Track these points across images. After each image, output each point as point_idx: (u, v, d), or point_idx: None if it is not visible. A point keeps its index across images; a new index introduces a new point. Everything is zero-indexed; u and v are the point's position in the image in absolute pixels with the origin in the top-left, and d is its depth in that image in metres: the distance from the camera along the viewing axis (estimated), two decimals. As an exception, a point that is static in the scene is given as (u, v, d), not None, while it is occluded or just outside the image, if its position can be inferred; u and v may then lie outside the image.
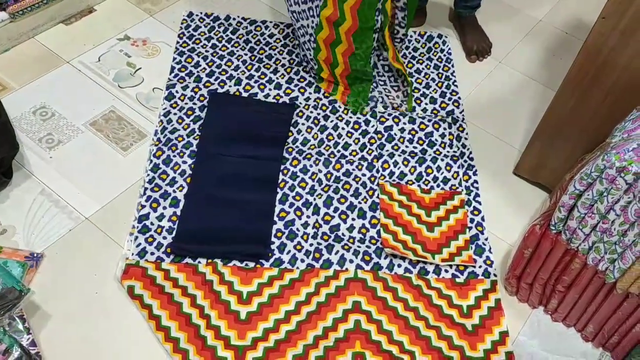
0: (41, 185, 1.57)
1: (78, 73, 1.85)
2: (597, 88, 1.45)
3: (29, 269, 1.37)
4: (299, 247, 1.53)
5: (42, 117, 1.72)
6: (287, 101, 1.86)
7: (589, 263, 1.30)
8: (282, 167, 1.69)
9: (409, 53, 2.07)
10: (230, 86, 1.87)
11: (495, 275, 1.53)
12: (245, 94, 1.86)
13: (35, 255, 1.41)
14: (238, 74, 1.91)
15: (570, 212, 1.28)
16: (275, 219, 1.58)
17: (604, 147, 1.38)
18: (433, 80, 2.00)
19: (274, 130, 1.76)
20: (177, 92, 1.84)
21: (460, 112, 1.91)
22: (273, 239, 1.54)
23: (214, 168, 1.65)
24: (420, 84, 1.98)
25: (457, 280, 1.52)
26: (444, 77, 2.02)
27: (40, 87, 1.79)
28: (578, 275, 1.35)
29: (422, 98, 1.94)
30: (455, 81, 2.01)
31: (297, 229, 1.56)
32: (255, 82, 1.90)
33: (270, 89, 1.88)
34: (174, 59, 1.93)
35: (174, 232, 1.51)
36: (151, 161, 1.65)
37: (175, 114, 1.78)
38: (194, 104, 1.81)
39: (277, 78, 1.92)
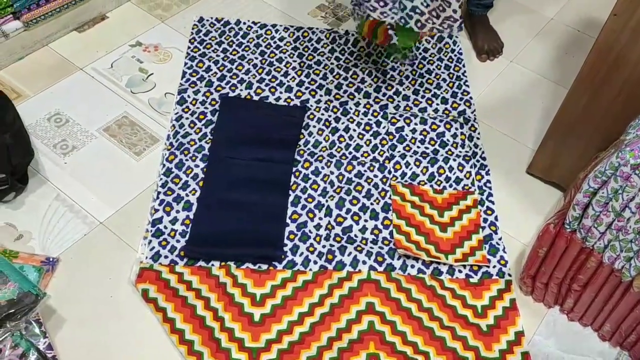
0: (56, 191, 1.59)
1: (91, 80, 1.87)
2: (609, 85, 1.44)
3: (45, 274, 1.39)
4: (311, 249, 1.53)
5: (56, 124, 1.74)
6: (298, 104, 1.86)
7: (604, 262, 1.29)
8: (294, 169, 1.69)
9: (420, 54, 2.07)
10: (241, 90, 1.88)
11: (509, 275, 1.52)
12: (256, 97, 1.86)
13: (51, 260, 1.43)
14: (249, 78, 1.92)
15: (585, 210, 1.27)
16: (288, 221, 1.58)
17: (617, 145, 1.37)
18: (444, 80, 1.99)
19: (285, 133, 1.76)
20: (188, 96, 1.85)
21: (472, 112, 1.90)
22: (286, 241, 1.54)
23: (226, 171, 1.66)
24: (431, 84, 1.97)
25: (471, 280, 1.51)
26: (455, 77, 2.01)
27: (54, 94, 1.81)
28: (594, 274, 1.33)
29: (434, 99, 1.93)
30: (466, 81, 2.00)
31: (310, 231, 1.56)
32: (266, 85, 1.90)
33: (281, 92, 1.89)
34: (186, 64, 1.94)
35: (187, 236, 1.52)
36: (164, 165, 1.67)
37: (187, 118, 1.79)
38: (206, 108, 1.82)
39: (287, 81, 1.92)
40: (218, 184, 1.63)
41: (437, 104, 1.92)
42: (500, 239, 1.59)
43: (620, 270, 1.27)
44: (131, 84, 1.87)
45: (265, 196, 1.62)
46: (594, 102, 1.49)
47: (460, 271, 1.52)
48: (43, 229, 1.51)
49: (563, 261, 1.36)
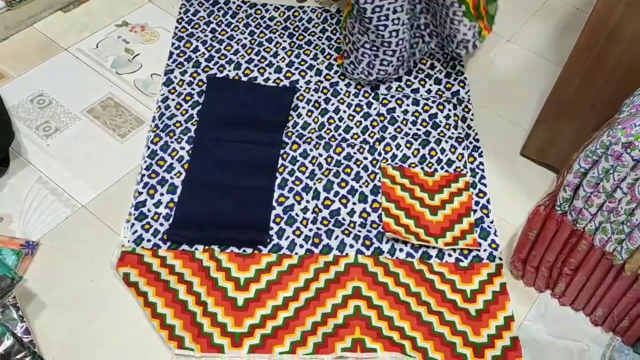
0: (38, 173, 1.56)
1: (76, 60, 1.83)
2: (603, 63, 1.39)
3: (24, 257, 1.36)
4: (297, 232, 1.50)
5: (39, 105, 1.70)
6: (288, 85, 1.82)
7: (595, 244, 1.25)
8: (282, 151, 1.65)
9: (413, 33, 2.02)
10: (229, 70, 1.84)
11: (500, 259, 1.49)
12: (244, 78, 1.82)
13: (30, 243, 1.40)
14: (237, 58, 1.87)
15: (576, 191, 1.23)
16: (274, 204, 1.55)
17: (611, 124, 1.33)
18: (438, 60, 1.94)
19: (273, 114, 1.72)
20: (175, 77, 1.81)
21: (466, 93, 1.85)
22: (271, 224, 1.51)
23: (212, 154, 1.63)
24: (425, 64, 1.92)
25: (461, 264, 1.47)
26: (449, 57, 1.96)
27: (38, 75, 1.78)
28: (585, 257, 1.29)
29: (427, 79, 1.88)
30: (461, 61, 1.95)
31: (296, 214, 1.53)
32: (255, 65, 1.86)
33: (270, 73, 1.85)
34: (173, 44, 1.90)
35: (171, 219, 1.49)
36: (148, 148, 1.63)
37: (173, 99, 1.75)
38: (192, 89, 1.78)
39: (277, 61, 1.88)
40: (203, 167, 1.60)
41: (430, 85, 1.87)
42: (491, 222, 1.56)
43: (612, 253, 1.23)
44: (117, 64, 1.83)
45: (251, 179, 1.58)
46: (587, 81, 1.45)
47: (450, 255, 1.49)
48: (24, 212, 1.48)
49: (554, 244, 1.32)
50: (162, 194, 1.54)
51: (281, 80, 1.83)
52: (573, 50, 1.41)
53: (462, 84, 1.88)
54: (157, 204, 1.52)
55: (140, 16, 1.97)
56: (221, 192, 1.55)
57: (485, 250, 1.50)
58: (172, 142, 1.65)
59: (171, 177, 1.57)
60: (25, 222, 1.46)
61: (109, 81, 1.78)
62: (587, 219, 1.23)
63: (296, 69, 1.87)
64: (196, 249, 1.45)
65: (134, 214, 1.50)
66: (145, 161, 1.60)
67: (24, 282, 1.26)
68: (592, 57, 1.39)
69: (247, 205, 1.53)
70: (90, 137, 1.65)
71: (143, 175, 1.57)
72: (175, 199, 1.53)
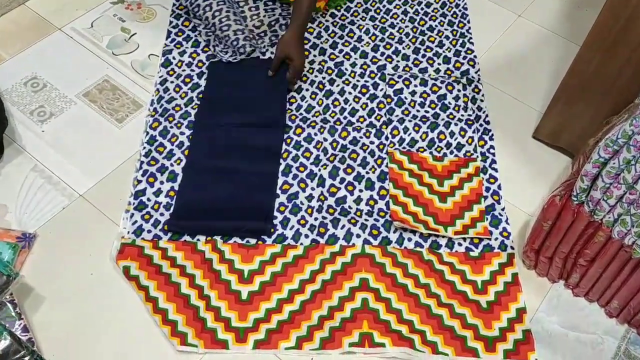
0: (33, 161, 1.50)
1: (70, 40, 1.76)
2: (622, 45, 1.32)
3: (20, 250, 1.32)
4: (302, 221, 1.45)
5: (33, 89, 1.64)
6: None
7: (614, 237, 1.20)
8: (285, 136, 1.59)
9: (422, 9, 1.93)
10: (229, 50, 1.76)
11: (512, 248, 1.44)
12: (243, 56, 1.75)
13: (27, 235, 1.36)
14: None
15: (594, 181, 1.18)
16: (278, 192, 1.50)
17: (631, 110, 1.26)
18: (447, 38, 1.86)
19: (276, 94, 1.65)
20: (174, 58, 1.74)
21: (476, 72, 1.78)
22: (276, 213, 1.46)
23: (214, 138, 1.57)
24: (433, 42, 1.85)
25: (472, 254, 1.43)
26: (458, 34, 1.88)
27: (31, 57, 1.71)
28: (602, 248, 1.25)
29: (435, 58, 1.81)
30: (471, 39, 1.87)
31: (301, 202, 1.48)
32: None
33: (272, 52, 1.77)
34: (171, 22, 1.82)
35: (172, 209, 1.44)
36: (147, 133, 1.57)
37: (172, 82, 1.68)
38: (192, 70, 1.71)
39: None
40: (204, 152, 1.54)
41: (439, 64, 1.80)
42: (503, 209, 1.50)
43: (631, 246, 1.19)
44: (113, 45, 1.76)
45: (254, 164, 1.53)
46: (606, 63, 1.37)
47: (460, 244, 1.44)
48: (20, 202, 1.43)
49: (569, 235, 1.28)
50: (162, 182, 1.49)
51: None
52: (592, 29, 1.34)
53: (471, 63, 1.80)
54: (157, 193, 1.47)
55: (136, -7, 1.89)
56: (223, 179, 1.49)
57: (496, 239, 1.45)
58: (171, 127, 1.59)
59: (171, 164, 1.52)
60: (21, 212, 1.41)
61: (105, 63, 1.71)
62: (605, 211, 1.18)
63: (299, 48, 1.79)
64: (198, 239, 1.40)
65: (134, 204, 1.45)
66: (144, 147, 1.55)
67: (20, 278, 1.21)
68: (612, 37, 1.32)
69: (250, 192, 1.48)
70: (87, 122, 1.59)
71: (142, 163, 1.52)
72: (176, 187, 1.48)
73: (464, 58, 1.81)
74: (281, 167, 1.54)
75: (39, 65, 1.69)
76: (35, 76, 1.66)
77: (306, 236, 1.43)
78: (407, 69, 1.77)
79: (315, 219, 1.45)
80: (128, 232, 1.40)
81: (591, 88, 1.44)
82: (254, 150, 1.55)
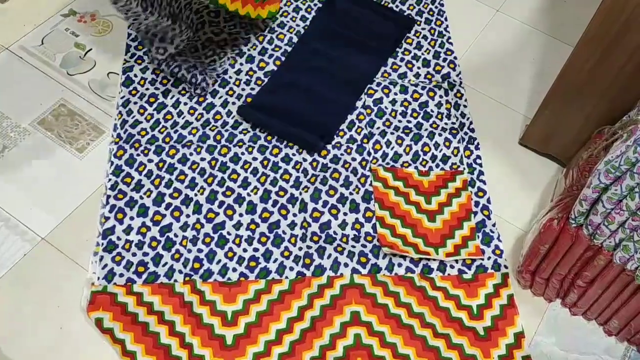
0: (-13, 203, 1.37)
1: (19, 61, 1.61)
2: (620, 48, 1.24)
3: (-20, 309, 1.20)
4: (286, 253, 1.36)
5: (-19, 119, 1.50)
6: (262, 76, 1.64)
7: (615, 262, 1.15)
8: (262, 157, 1.49)
9: (397, 6, 1.83)
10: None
11: (506, 267, 1.38)
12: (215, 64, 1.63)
13: (-14, 290, 1.24)
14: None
15: (593, 205, 1.12)
16: (258, 220, 1.40)
17: (627, 125, 1.20)
18: (425, 38, 1.77)
19: (381, 43, 1.71)
20: (135, 75, 1.61)
21: (457, 75, 1.70)
22: (257, 245, 1.37)
23: (308, 58, 1.65)
24: (411, 44, 1.75)
25: (465, 276, 1.36)
26: (437, 33, 1.79)
27: (-24, 82, 1.56)
28: (602, 271, 1.19)
29: (414, 61, 1.72)
30: (449, 38, 1.79)
31: (284, 232, 1.39)
32: (225, 54, 1.67)
33: (242, 63, 1.66)
34: (129, 35, 1.69)
35: (251, 99, 1.56)
36: (112, 163, 1.45)
37: (135, 102, 1.56)
38: (156, 88, 1.59)
39: (247, 50, 1.68)
40: (296, 67, 1.63)
41: (419, 68, 1.71)
42: (494, 225, 1.44)
43: (634, 271, 1.13)
44: (67, 63, 1.61)
45: (335, 92, 1.60)
46: (601, 67, 1.30)
47: (452, 267, 1.37)
48: (-25, 251, 1.31)
49: (567, 258, 1.22)
50: (132, 218, 1.38)
51: (254, 72, 1.64)
52: (585, 32, 1.26)
53: (452, 65, 1.72)
54: (128, 230, 1.36)
55: (89, 3, 1.74)
56: (302, 94, 1.58)
57: (489, 258, 1.39)
58: (138, 154, 1.47)
59: (140, 197, 1.41)
60: (-23, 263, 1.29)
61: (59, 84, 1.57)
62: (605, 235, 1.13)
63: (270, 56, 1.68)
64: (175, 281, 1.30)
65: (102, 244, 1.34)
66: (110, 179, 1.43)
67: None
68: (607, 42, 1.24)
69: (320, 111, 1.55)
70: (44, 154, 1.46)
71: (108, 197, 1.40)
72: (148, 223, 1.37)
73: (444, 60, 1.73)
74: (259, 193, 1.44)
75: (-14, 91, 1.54)
76: (-18, 104, 1.52)
77: (291, 269, 1.34)
78: (385, 75, 1.68)
79: (300, 248, 1.37)
80: (98, 278, 1.29)
81: (584, 92, 1.37)
82: (341, 82, 1.62)
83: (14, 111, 1.51)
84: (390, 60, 1.71)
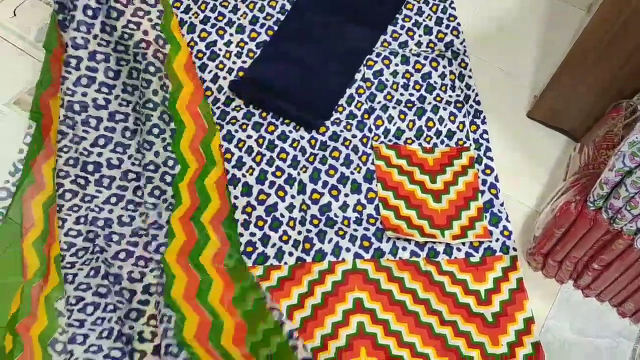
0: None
1: (-10, 34, 1.49)
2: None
3: None
4: (285, 237, 1.29)
5: (-48, 99, 1.39)
6: (254, 47, 1.53)
7: (636, 246, 1.08)
8: (257, 134, 1.40)
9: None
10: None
11: (514, 249, 1.32)
12: (202, 44, 1.52)
13: None
14: (191, 18, 1.56)
15: (615, 188, 1.04)
16: (254, 203, 1.32)
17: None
18: (426, 2, 1.66)
19: (377, 15, 1.60)
20: (117, 48, 1.49)
21: (461, 43, 1.60)
22: (254, 229, 1.29)
23: (304, 26, 1.55)
24: (411, 10, 1.64)
25: (472, 259, 1.30)
26: (438, -4, 1.68)
27: (-55, 59, 1.45)
28: (620, 254, 1.13)
29: (415, 28, 1.61)
30: (452, 2, 1.68)
31: (281, 215, 1.31)
32: (213, 26, 1.55)
33: (232, 34, 1.55)
34: (109, 3, 1.56)
35: (243, 74, 1.46)
36: (96, 144, 1.36)
37: (118, 78, 1.45)
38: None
39: (238, 18, 1.57)
40: (291, 37, 1.53)
41: (420, 35, 1.60)
42: (502, 204, 1.37)
43: (655, 257, 1.07)
44: (42, 36, 1.49)
45: (332, 64, 1.50)
46: (623, 36, 1.20)
47: (459, 249, 1.31)
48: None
49: (583, 241, 1.15)
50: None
51: (246, 43, 1.54)
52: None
53: (455, 32, 1.62)
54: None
55: (64, -31, 1.61)
56: (297, 66, 1.48)
57: (497, 239, 1.33)
58: (123, 134, 1.37)
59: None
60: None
61: (35, 60, 1.46)
62: (627, 220, 1.06)
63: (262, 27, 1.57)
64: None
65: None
66: (94, 162, 1.33)
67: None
68: (631, 7, 1.15)
69: (317, 85, 1.46)
70: (22, 137, 1.35)
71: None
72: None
73: (447, 27, 1.62)
74: (255, 174, 1.36)
75: (-44, 69, 1.43)
76: (-47, 82, 1.41)
77: (290, 254, 1.27)
78: (385, 44, 1.57)
79: (299, 232, 1.29)
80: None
81: (602, 63, 1.27)
82: (337, 53, 1.52)
83: (-13, 90, 1.41)
84: (390, 28, 1.60)
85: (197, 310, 1.15)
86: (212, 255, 1.23)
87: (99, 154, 1.24)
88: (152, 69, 1.33)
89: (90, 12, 1.34)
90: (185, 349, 1.09)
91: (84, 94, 1.26)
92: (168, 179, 1.27)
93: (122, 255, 1.19)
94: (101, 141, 1.26)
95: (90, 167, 1.23)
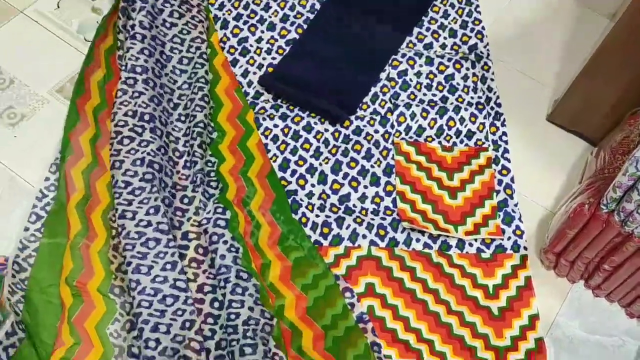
0: (9, 173, 1.36)
1: (35, 25, 1.58)
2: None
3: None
4: (304, 219, 1.35)
5: None
6: (283, 44, 1.60)
7: (646, 249, 1.11)
8: (283, 124, 1.47)
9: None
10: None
11: (525, 248, 1.35)
12: (233, 39, 1.60)
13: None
14: (224, 15, 1.64)
15: (627, 192, 1.07)
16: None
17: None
18: (452, 6, 1.71)
19: (405, 18, 1.65)
20: (155, 41, 1.58)
21: (485, 47, 1.64)
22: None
23: (334, 27, 1.61)
24: (438, 12, 1.69)
25: (483, 255, 1.34)
26: (464, 1, 1.72)
27: (-7, 47, 1.54)
28: (630, 256, 1.16)
29: (440, 31, 1.66)
30: (477, 6, 1.72)
31: (301, 199, 1.37)
32: (245, 23, 1.63)
33: (263, 31, 1.62)
34: None
35: (273, 70, 1.53)
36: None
37: (154, 68, 1.54)
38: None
39: (269, 17, 1.64)
40: (319, 35, 1.59)
41: (445, 38, 1.65)
42: (516, 205, 1.41)
43: (664, 258, 1.10)
44: (84, 29, 1.59)
45: (358, 63, 1.56)
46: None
47: (470, 245, 1.35)
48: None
49: (595, 243, 1.18)
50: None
51: (276, 40, 1.61)
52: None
53: (479, 36, 1.66)
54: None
55: (108, -37, 1.70)
56: (325, 64, 1.54)
57: (509, 238, 1.36)
58: (156, 122, 1.46)
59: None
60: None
61: (77, 51, 1.55)
62: (638, 223, 1.09)
63: (291, 24, 1.64)
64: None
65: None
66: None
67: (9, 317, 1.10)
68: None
69: (343, 83, 1.52)
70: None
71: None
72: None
73: (472, 30, 1.67)
74: (278, 161, 1.42)
75: (3, 56, 1.52)
76: (0, 71, 1.50)
77: (308, 237, 1.33)
78: (410, 45, 1.62)
79: (317, 216, 1.35)
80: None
81: (625, 68, 1.29)
82: (365, 51, 1.58)
83: (32, 79, 1.49)
84: (415, 30, 1.65)
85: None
86: (260, 203, 1.34)
87: (154, 109, 1.34)
88: (201, 60, 1.47)
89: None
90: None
91: (146, 61, 1.38)
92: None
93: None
94: (155, 100, 1.36)
95: (146, 117, 1.32)
